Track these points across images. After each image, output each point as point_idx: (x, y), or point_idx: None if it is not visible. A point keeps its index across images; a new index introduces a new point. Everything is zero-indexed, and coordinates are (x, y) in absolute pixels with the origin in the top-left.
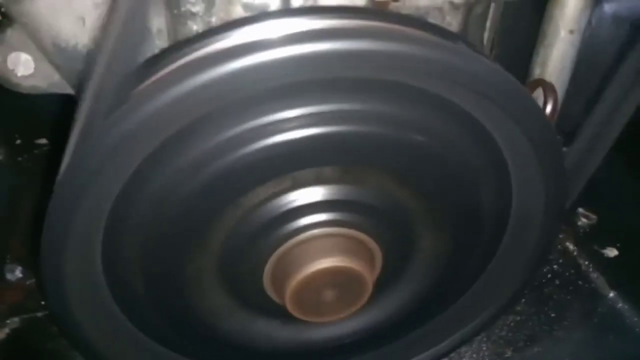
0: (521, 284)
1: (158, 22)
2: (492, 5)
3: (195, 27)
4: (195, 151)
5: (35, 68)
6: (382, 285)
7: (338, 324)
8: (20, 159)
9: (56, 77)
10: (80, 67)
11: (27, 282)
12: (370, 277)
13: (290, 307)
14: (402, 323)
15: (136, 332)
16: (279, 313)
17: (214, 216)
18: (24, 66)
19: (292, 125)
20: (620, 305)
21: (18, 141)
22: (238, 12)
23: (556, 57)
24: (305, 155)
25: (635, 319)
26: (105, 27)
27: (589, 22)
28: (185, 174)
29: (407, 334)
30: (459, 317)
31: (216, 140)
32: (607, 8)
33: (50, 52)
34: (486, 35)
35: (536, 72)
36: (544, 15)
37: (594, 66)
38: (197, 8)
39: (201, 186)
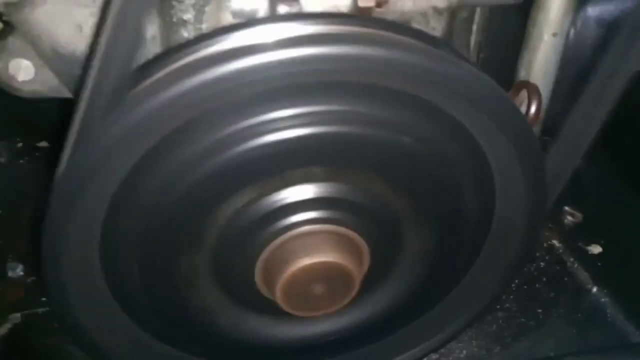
0: (504, 284)
1: (151, 29)
2: (478, 10)
3: (187, 34)
4: (189, 151)
5: (35, 73)
6: (371, 283)
7: (328, 321)
8: (21, 161)
9: (55, 82)
10: (79, 72)
11: (28, 280)
12: (357, 273)
13: (280, 301)
14: (389, 321)
15: (134, 328)
16: (272, 309)
17: (207, 214)
18: (24, 72)
19: (282, 125)
20: (603, 300)
21: (20, 144)
22: (227, 19)
23: (540, 60)
24: (295, 155)
25: (617, 313)
26: (100, 33)
27: (574, 26)
28: (179, 173)
29: (395, 332)
30: (443, 316)
31: (209, 139)
32: (591, 11)
33: (50, 58)
34: (473, 39)
35: (522, 75)
36: (528, 19)
37: (580, 68)
38: (188, 16)
39: (194, 185)
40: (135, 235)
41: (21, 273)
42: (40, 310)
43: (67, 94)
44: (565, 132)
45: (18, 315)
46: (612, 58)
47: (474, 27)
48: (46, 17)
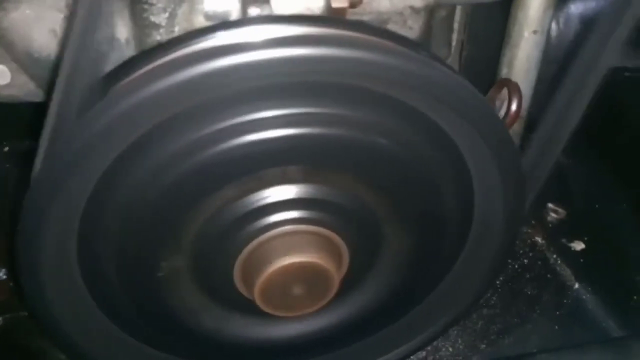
0: (486, 283)
1: (125, 32)
2: (459, 8)
3: (159, 37)
4: (166, 150)
5: (11, 78)
6: (350, 283)
7: (310, 321)
8: (7, 165)
9: (32, 86)
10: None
11: (11, 283)
12: (336, 273)
13: (258, 301)
14: (371, 321)
15: (115, 329)
16: (254, 309)
17: (185, 214)
18: (0, 77)
19: (260, 126)
20: (585, 296)
21: (6, 148)
22: (200, 21)
23: (522, 57)
24: (274, 155)
25: (599, 309)
26: (69, 33)
27: (557, 23)
28: (156, 173)
29: (377, 332)
30: (427, 315)
31: (186, 139)
32: (574, 8)
33: (25, 63)
34: (455, 37)
35: (504, 72)
36: (508, 17)
37: (563, 65)
38: (160, 19)
39: (171, 185)
40: (113, 236)
41: (4, 277)
42: (24, 312)
43: (43, 97)
44: (544, 127)
45: (0, 318)
46: (588, 54)
47: (456, 26)
48: (20, 22)
